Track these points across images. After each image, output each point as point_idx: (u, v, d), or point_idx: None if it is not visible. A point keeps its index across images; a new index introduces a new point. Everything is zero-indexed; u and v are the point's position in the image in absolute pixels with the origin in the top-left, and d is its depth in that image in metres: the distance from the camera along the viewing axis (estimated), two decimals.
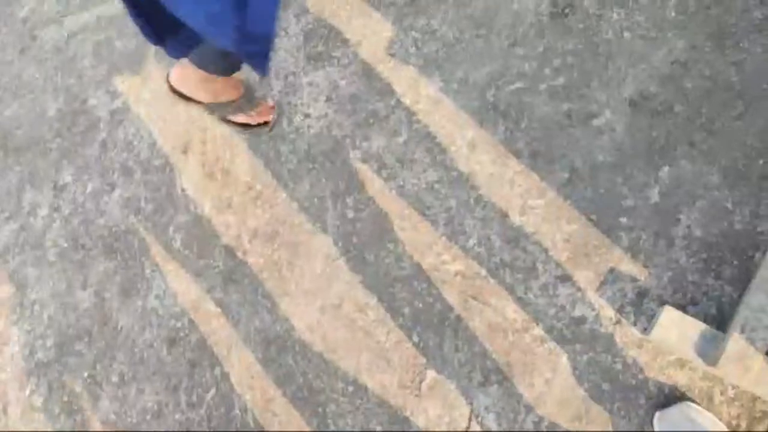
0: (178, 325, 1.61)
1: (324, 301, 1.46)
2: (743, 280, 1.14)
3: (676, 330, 1.09)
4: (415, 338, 1.36)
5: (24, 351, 1.79)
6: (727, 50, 1.27)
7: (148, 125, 1.85)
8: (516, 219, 1.34)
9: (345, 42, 1.66)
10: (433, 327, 1.35)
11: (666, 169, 1.24)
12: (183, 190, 1.73)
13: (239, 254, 1.60)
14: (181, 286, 1.64)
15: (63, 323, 1.76)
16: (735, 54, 1.26)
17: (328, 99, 1.62)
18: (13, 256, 1.90)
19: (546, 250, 1.29)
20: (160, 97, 1.86)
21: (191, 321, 1.60)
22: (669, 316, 1.09)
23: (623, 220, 1.25)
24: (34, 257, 1.87)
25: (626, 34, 1.36)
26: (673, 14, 1.34)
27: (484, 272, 1.33)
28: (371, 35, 1.63)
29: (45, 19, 2.20)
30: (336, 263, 1.48)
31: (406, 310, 1.38)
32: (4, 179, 2.01)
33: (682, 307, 1.16)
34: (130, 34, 1.99)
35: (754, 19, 1.27)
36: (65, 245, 1.83)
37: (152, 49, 1.92)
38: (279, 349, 1.47)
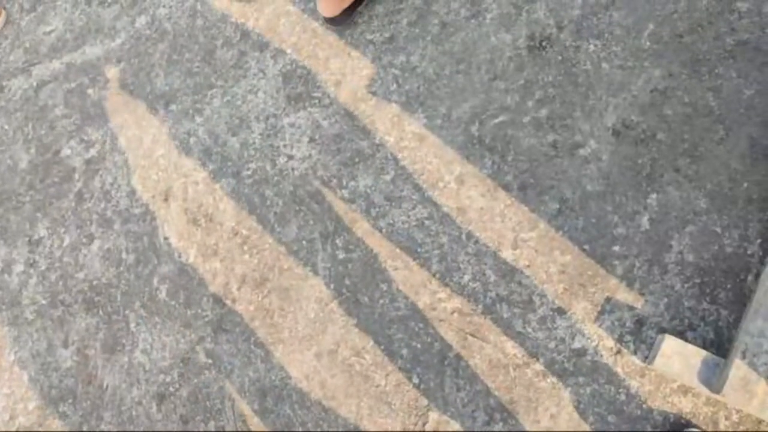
0: (168, 379, 1.56)
1: (319, 347, 1.43)
2: (738, 303, 1.16)
3: (679, 358, 1.09)
4: (416, 380, 1.33)
5: (4, 416, 1.71)
6: (704, 77, 1.30)
7: (126, 173, 1.81)
8: (509, 252, 1.33)
9: (325, 82, 1.65)
10: (433, 367, 1.32)
11: (654, 196, 1.26)
12: (166, 238, 1.69)
13: (228, 302, 1.56)
14: (169, 339, 1.59)
15: (45, 384, 1.68)
16: (711, 80, 1.29)
17: (312, 140, 1.61)
18: None
19: (542, 283, 1.29)
20: (137, 144, 1.83)
21: (181, 374, 1.55)
22: (670, 345, 1.09)
23: (616, 248, 1.25)
24: (11, 316, 1.79)
25: (604, 65, 1.39)
26: (648, 44, 1.37)
27: (480, 308, 1.32)
28: (351, 74, 1.63)
29: (12, 69, 2.15)
30: (329, 307, 1.45)
31: (404, 352, 1.36)
32: None
33: (681, 333, 1.17)
34: (102, 82, 1.95)
35: (726, 46, 1.31)
36: (43, 302, 1.76)
37: (126, 96, 1.89)
38: (276, 399, 1.43)
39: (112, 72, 1.96)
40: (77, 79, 2.00)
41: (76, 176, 1.86)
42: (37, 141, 1.98)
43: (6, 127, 2.06)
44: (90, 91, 1.96)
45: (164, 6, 1.95)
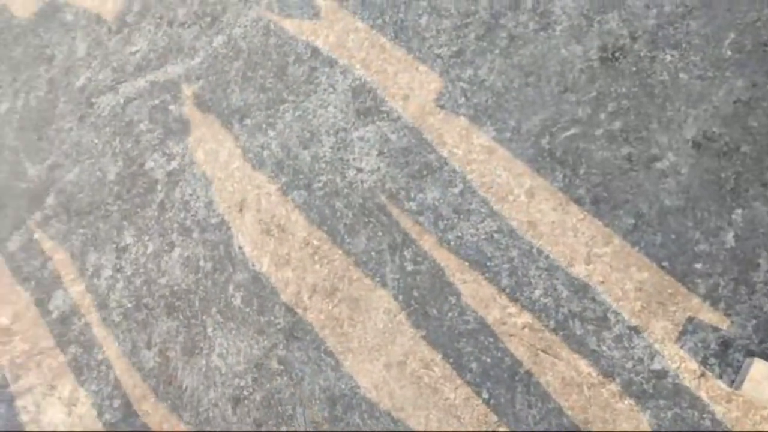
0: (242, 383, 1.62)
1: (388, 357, 1.45)
2: None
3: None
4: (485, 395, 1.33)
5: (92, 412, 1.83)
6: None
7: (204, 185, 1.90)
8: (582, 268, 1.31)
9: (393, 96, 1.68)
10: (504, 382, 1.32)
11: (739, 211, 1.21)
12: (240, 247, 1.76)
13: (299, 311, 1.61)
14: (243, 344, 1.66)
15: (129, 383, 1.79)
16: None
17: (380, 153, 1.64)
18: (79, 317, 1.96)
19: (617, 300, 1.26)
20: (214, 157, 1.92)
21: (255, 379, 1.61)
22: (759, 369, 1.04)
23: (698, 266, 1.21)
24: (99, 318, 1.92)
25: (682, 75, 1.35)
26: (729, 53, 1.32)
27: (552, 324, 1.30)
28: (419, 88, 1.66)
29: (101, 87, 2.31)
30: (398, 318, 1.47)
31: (474, 366, 1.36)
32: (68, 242, 2.09)
33: None
34: (182, 98, 2.07)
35: None
36: (129, 305, 1.88)
37: (205, 111, 2.00)
38: (345, 408, 1.46)
39: (191, 89, 2.07)
40: (160, 95, 2.13)
41: (159, 187, 1.98)
42: (123, 154, 2.12)
43: (96, 141, 2.22)
44: (172, 107, 2.08)
45: (240, 26, 2.05)
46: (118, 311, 1.89)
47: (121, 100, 2.22)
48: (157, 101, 2.12)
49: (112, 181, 2.09)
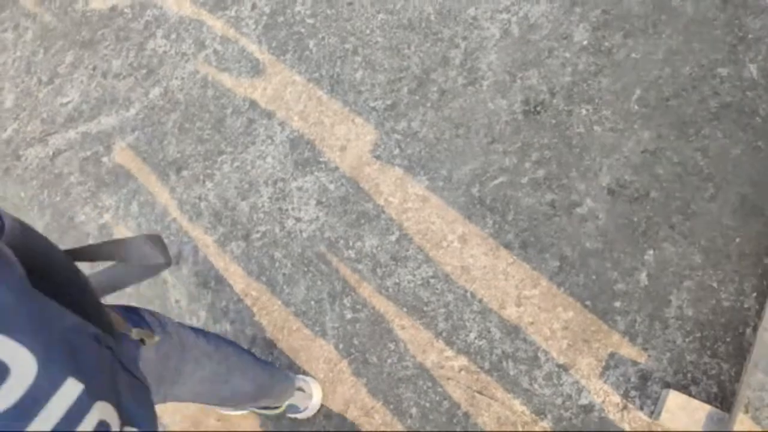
0: None
1: (329, 407, 1.44)
2: (738, 356, 1.18)
3: (684, 414, 1.10)
4: None
5: None
6: (691, 138, 1.37)
7: None
8: (513, 310, 1.37)
9: (330, 147, 1.73)
10: (442, 426, 1.33)
11: (651, 252, 1.30)
12: (177, 301, 1.72)
13: None
14: (182, 405, 1.60)
15: None
16: (698, 141, 1.37)
17: (319, 202, 1.67)
18: None
19: (546, 339, 1.32)
20: (149, 209, 1.89)
21: None
22: (675, 401, 1.11)
23: (617, 304, 1.29)
24: None
25: (596, 128, 1.47)
26: (636, 107, 1.45)
27: (487, 366, 1.34)
28: (355, 139, 1.71)
29: (29, 138, 2.25)
30: (338, 367, 1.47)
31: (414, 411, 1.37)
32: None
33: (685, 388, 1.19)
34: (116, 150, 2.04)
35: (711, 108, 1.39)
36: None
37: (140, 163, 1.97)
38: None
39: (126, 141, 2.04)
40: (92, 147, 2.09)
41: (90, 241, 1.92)
42: (52, 207, 2.05)
43: (22, 194, 2.14)
44: (105, 159, 2.05)
45: (177, 78, 2.06)
46: None
47: (51, 152, 2.16)
48: (89, 153, 2.08)
49: None
